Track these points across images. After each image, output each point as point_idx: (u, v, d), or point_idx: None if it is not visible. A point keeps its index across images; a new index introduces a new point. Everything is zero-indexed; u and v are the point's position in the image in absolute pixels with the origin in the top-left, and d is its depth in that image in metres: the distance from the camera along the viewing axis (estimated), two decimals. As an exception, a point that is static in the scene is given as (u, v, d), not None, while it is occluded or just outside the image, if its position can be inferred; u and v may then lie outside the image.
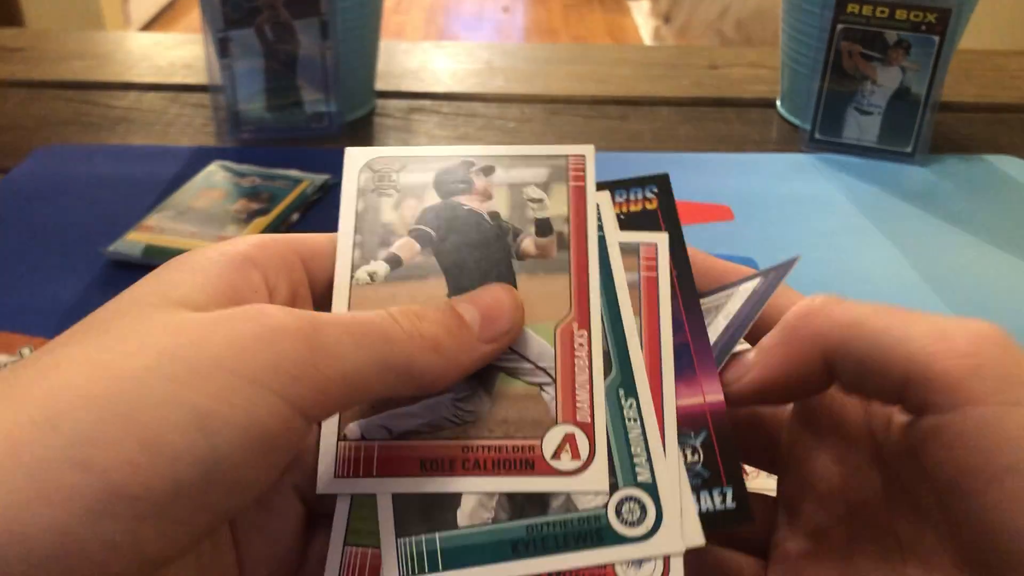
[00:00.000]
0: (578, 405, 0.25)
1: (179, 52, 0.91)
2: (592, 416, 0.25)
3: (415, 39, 3.03)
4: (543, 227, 0.28)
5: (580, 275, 0.27)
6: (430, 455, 0.25)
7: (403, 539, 0.24)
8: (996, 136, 0.77)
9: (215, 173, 0.63)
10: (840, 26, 0.69)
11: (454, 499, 0.24)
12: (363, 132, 0.75)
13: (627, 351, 0.26)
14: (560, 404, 0.25)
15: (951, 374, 0.21)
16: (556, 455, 0.24)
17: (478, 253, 0.28)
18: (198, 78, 0.84)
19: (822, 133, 0.73)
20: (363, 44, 0.75)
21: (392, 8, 3.38)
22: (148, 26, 3.07)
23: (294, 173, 0.64)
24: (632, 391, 0.25)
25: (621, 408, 0.25)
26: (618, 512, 0.24)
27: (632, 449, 0.24)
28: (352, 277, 0.27)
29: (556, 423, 0.25)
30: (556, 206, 0.28)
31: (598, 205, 0.29)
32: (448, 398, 0.26)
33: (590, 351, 0.26)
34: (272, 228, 0.57)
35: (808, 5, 0.72)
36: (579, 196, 0.29)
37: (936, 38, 0.67)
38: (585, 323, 0.26)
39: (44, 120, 0.75)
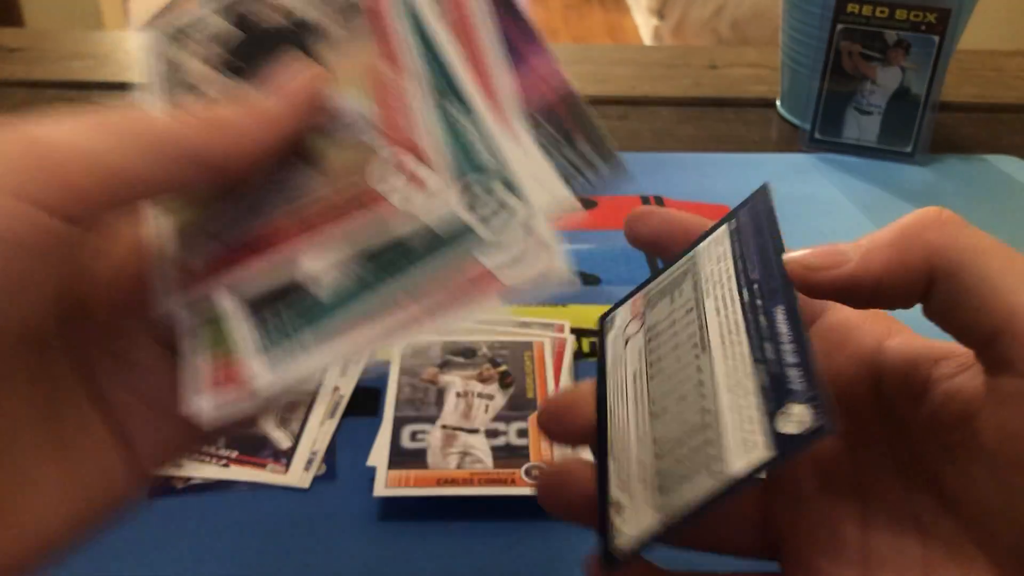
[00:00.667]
0: (404, 133, 0.24)
1: (179, 52, 0.91)
2: (420, 135, 0.24)
3: (415, 39, 3.02)
4: (333, 3, 0.28)
5: (378, 24, 0.26)
6: (266, 241, 0.25)
7: (260, 328, 0.24)
8: (996, 136, 0.77)
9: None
10: (840, 26, 0.69)
11: (300, 270, 0.24)
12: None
13: (447, 65, 0.25)
14: (385, 139, 0.25)
15: None
16: (392, 186, 0.24)
17: (276, 51, 0.27)
18: (198, 78, 0.84)
19: (822, 133, 0.73)
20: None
21: (392, 8, 3.37)
22: (148, 26, 3.06)
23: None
24: (460, 96, 0.25)
25: (452, 116, 0.25)
26: (472, 209, 0.23)
27: (473, 148, 0.24)
28: None
29: (385, 158, 0.24)
30: None
31: None
32: (271, 184, 0.25)
33: (405, 80, 0.25)
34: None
35: (808, 5, 0.72)
36: None
37: (936, 38, 0.67)
38: (393, 59, 0.26)
39: (44, 120, 0.75)
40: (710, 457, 0.22)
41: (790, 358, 0.22)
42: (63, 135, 0.20)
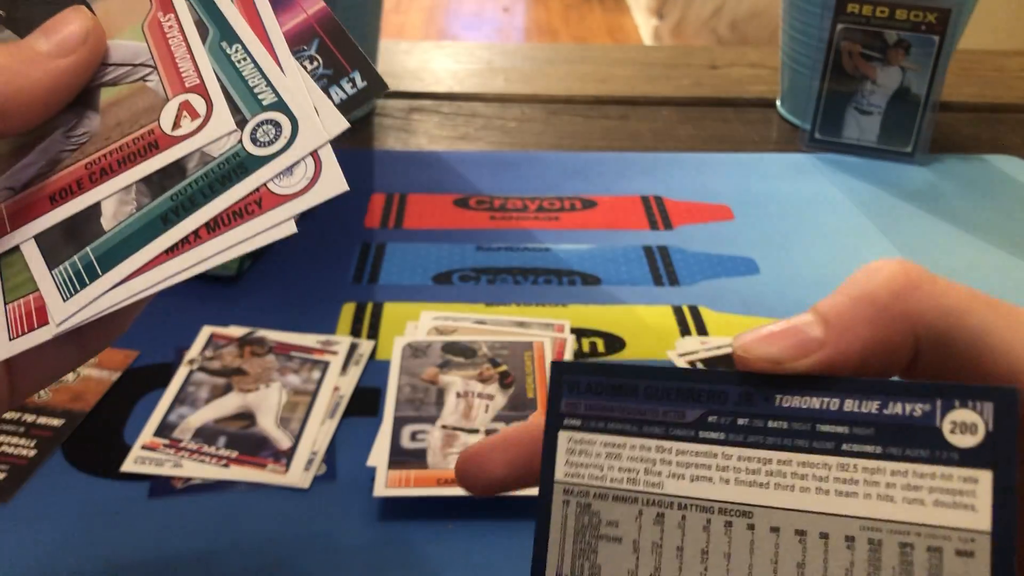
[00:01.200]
0: (184, 75, 0.26)
1: (179, 52, 0.91)
2: (200, 76, 0.26)
3: (415, 39, 3.03)
4: None
5: None
6: (58, 187, 0.26)
7: (57, 268, 0.25)
8: (996, 136, 0.77)
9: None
10: (840, 26, 0.69)
11: (93, 211, 0.25)
12: (363, 132, 0.75)
13: (219, 10, 0.27)
14: (166, 82, 0.26)
15: None
16: (176, 124, 0.25)
17: (48, 7, 0.28)
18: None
19: (822, 133, 0.73)
20: (363, 44, 0.75)
21: (392, 8, 3.38)
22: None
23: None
24: (234, 38, 0.26)
25: (228, 56, 0.26)
26: (254, 140, 0.25)
27: (250, 83, 0.26)
28: None
29: (168, 99, 0.26)
30: None
31: None
32: (59, 133, 0.27)
33: (180, 26, 0.27)
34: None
35: (808, 5, 0.72)
36: None
37: (936, 38, 0.67)
38: (168, 7, 0.27)
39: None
40: (933, 550, 0.18)
41: (872, 407, 0.19)
42: None
